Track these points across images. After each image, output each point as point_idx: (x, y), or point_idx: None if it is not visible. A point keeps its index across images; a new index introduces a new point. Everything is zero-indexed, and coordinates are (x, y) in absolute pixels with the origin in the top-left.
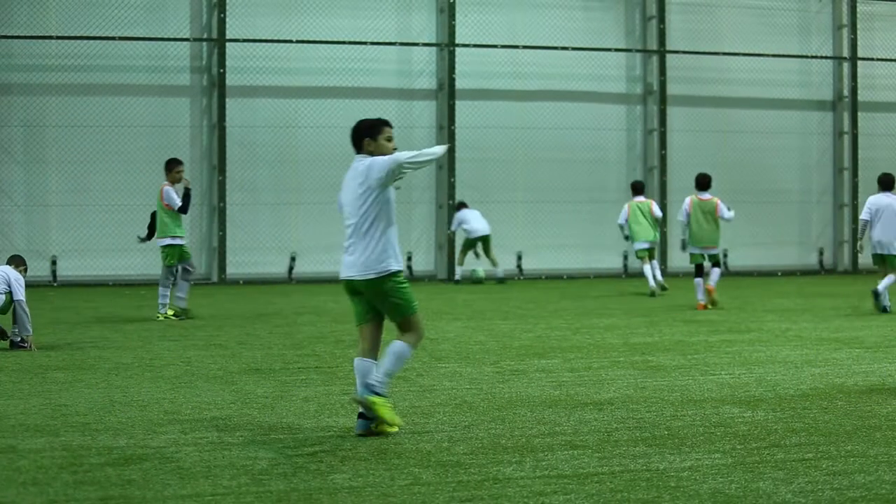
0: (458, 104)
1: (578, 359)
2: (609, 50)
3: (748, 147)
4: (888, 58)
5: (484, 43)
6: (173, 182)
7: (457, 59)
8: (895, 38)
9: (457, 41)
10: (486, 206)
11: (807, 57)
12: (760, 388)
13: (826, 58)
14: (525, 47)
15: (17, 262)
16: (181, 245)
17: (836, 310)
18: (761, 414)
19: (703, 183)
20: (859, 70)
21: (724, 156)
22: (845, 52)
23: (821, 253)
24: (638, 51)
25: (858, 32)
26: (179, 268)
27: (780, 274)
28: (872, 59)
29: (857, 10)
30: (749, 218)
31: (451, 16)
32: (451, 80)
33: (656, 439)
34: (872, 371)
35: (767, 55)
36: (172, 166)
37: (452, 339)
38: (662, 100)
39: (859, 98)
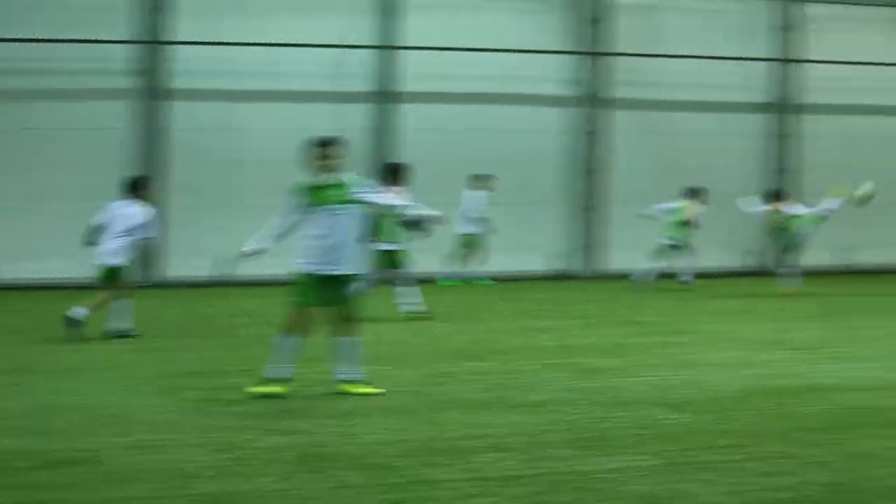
0: (399, 107)
1: (513, 361)
2: (552, 52)
3: (690, 149)
4: (831, 60)
5: (426, 45)
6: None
7: (399, 62)
8: (838, 40)
9: (399, 44)
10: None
11: (750, 59)
12: (692, 389)
13: (769, 60)
14: (467, 49)
15: (142, 187)
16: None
17: (773, 311)
18: (692, 416)
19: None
20: (802, 72)
21: (665, 159)
22: (788, 55)
23: (761, 255)
24: (581, 53)
25: (802, 34)
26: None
27: (719, 275)
28: (816, 62)
29: (801, 12)
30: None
31: (394, 18)
32: (393, 83)
33: (585, 441)
34: (805, 372)
35: (710, 57)
36: (403, 171)
37: (389, 342)
38: (604, 102)
39: (802, 100)
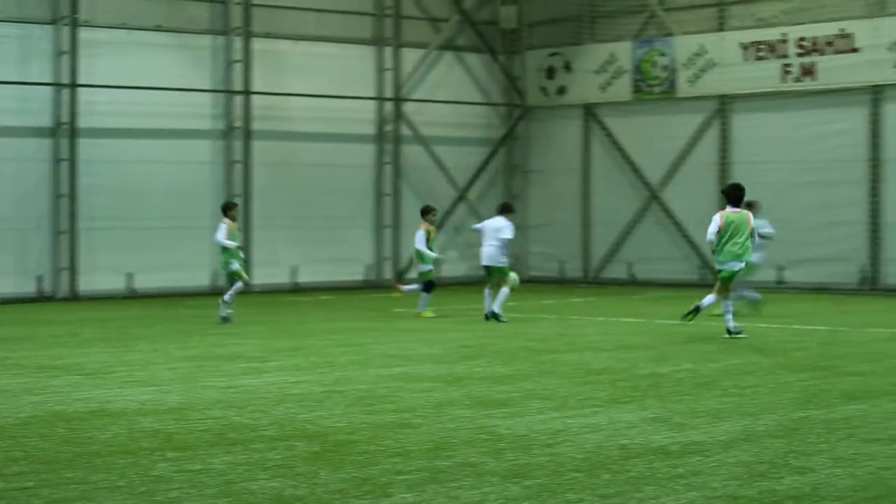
0: None
1: None
2: None
3: None
4: (108, 84)
5: None
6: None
7: None
8: (115, 65)
9: None
10: None
11: (27, 83)
12: None
13: (46, 84)
14: None
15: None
16: None
17: (55, 337)
18: None
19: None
20: (80, 96)
21: None
22: (65, 79)
23: (40, 280)
24: None
25: (80, 59)
26: None
27: (0, 303)
28: (93, 86)
29: (79, 36)
30: None
31: None
32: None
33: None
34: (92, 397)
35: None
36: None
37: None
38: None
39: (79, 125)
